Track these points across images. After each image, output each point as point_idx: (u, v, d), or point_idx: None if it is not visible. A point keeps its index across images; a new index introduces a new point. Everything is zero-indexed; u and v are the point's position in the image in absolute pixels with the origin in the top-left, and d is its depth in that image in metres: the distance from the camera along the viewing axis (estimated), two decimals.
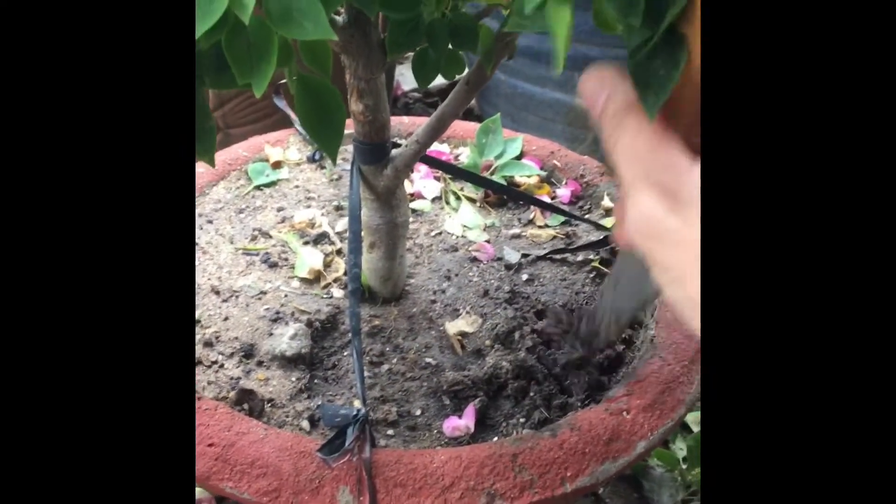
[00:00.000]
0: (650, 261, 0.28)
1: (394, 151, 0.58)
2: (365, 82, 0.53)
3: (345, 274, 0.66)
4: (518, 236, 0.74)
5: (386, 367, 0.58)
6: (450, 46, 0.47)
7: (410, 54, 0.50)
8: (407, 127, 0.87)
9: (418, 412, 0.55)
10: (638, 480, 0.83)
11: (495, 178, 0.79)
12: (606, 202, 0.76)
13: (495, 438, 0.53)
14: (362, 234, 0.60)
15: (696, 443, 0.82)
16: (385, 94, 0.55)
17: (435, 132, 0.57)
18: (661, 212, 0.27)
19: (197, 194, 0.73)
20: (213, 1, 0.33)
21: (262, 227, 0.71)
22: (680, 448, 0.86)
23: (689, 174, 0.27)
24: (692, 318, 0.27)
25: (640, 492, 0.83)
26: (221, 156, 0.78)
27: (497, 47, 0.50)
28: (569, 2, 0.26)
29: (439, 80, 1.73)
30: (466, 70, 0.54)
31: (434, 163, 0.69)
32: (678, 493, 0.83)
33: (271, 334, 0.59)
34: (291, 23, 0.34)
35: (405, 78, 1.66)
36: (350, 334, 0.60)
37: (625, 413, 0.52)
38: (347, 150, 0.83)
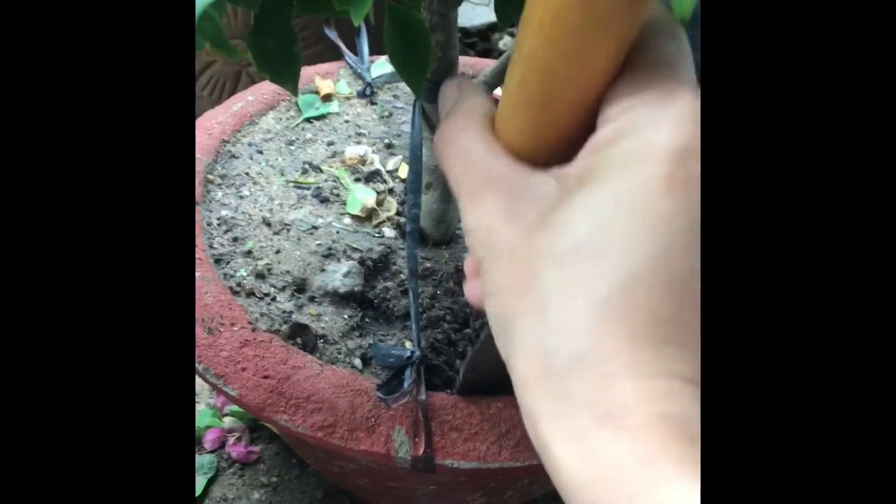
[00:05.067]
0: (481, 272, 0.26)
1: None
2: (439, 17, 0.51)
3: (397, 213, 0.65)
4: None
5: (437, 310, 0.58)
6: None
7: None
8: None
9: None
10: None
11: None
12: None
13: None
14: None
15: None
16: (456, 31, 0.53)
17: (503, 74, 0.55)
18: (496, 220, 0.24)
19: (246, 122, 0.72)
20: None
21: (313, 160, 0.69)
22: None
23: (530, 180, 0.25)
24: (498, 337, 0.25)
25: None
26: (271, 84, 0.76)
27: None
28: None
29: (478, 21, 1.68)
30: None
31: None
32: None
33: (323, 270, 0.59)
34: None
35: None
36: (402, 275, 0.59)
37: None
38: (398, 87, 0.82)
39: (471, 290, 0.32)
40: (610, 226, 0.22)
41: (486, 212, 0.25)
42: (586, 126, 0.25)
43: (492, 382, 0.48)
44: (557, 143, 0.26)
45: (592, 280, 0.21)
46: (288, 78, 0.37)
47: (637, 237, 0.21)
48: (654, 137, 0.22)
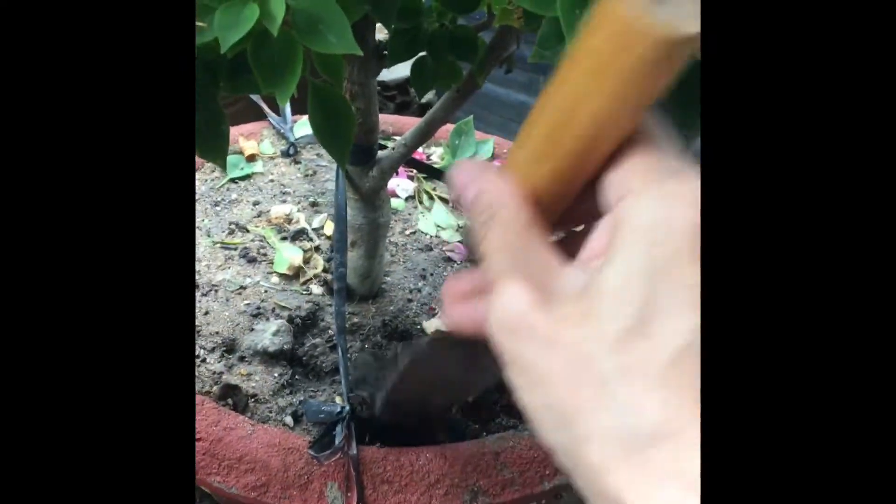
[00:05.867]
0: (507, 358, 0.26)
1: (380, 153, 0.59)
2: (359, 86, 0.54)
3: (324, 271, 0.66)
4: None
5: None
6: (449, 57, 0.48)
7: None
8: None
9: None
10: None
11: None
12: None
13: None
14: None
15: None
16: (376, 98, 0.56)
17: (423, 137, 0.58)
18: (527, 306, 0.25)
19: None
20: (243, 12, 0.33)
21: (239, 220, 0.71)
22: None
23: (560, 273, 0.26)
24: (549, 426, 0.25)
25: None
26: None
27: (489, 58, 0.52)
28: None
29: (397, 74, 1.71)
30: None
31: (414, 163, 0.70)
32: None
33: (252, 329, 0.60)
34: (317, 35, 0.34)
35: None
36: (331, 331, 0.61)
37: None
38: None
39: (459, 314, 0.31)
40: (651, 304, 0.23)
41: (518, 295, 0.25)
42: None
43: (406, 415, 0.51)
44: (572, 191, 0.28)
45: (650, 359, 0.23)
46: (217, 154, 0.39)
47: (678, 310, 0.23)
48: (675, 214, 0.24)
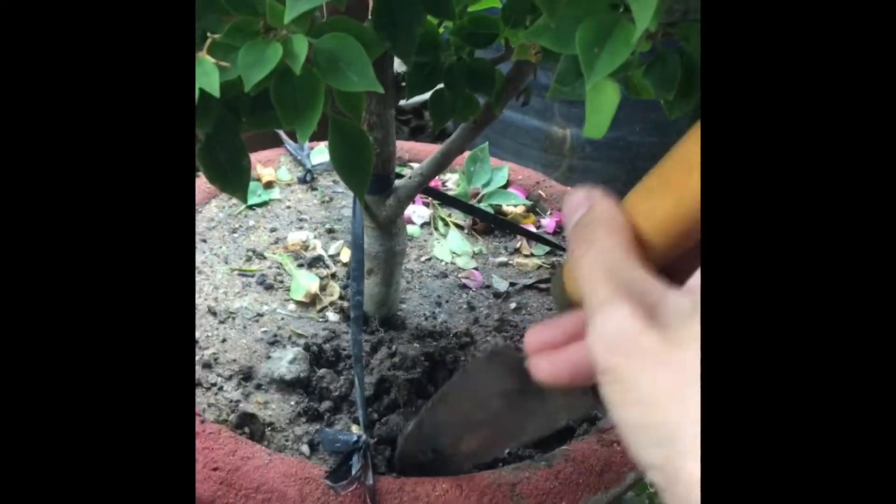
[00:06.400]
0: (610, 377, 0.26)
1: (397, 182, 0.59)
2: (376, 116, 0.54)
3: (340, 298, 0.67)
4: (505, 264, 0.76)
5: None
6: (467, 90, 0.49)
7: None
8: None
9: None
10: None
11: (482, 206, 0.81)
12: None
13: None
14: None
15: None
16: (393, 128, 0.57)
17: (439, 166, 0.59)
18: (637, 327, 0.26)
19: None
20: (266, 51, 0.34)
21: (256, 247, 0.71)
22: None
23: (665, 297, 0.26)
24: (641, 444, 0.25)
25: None
26: None
27: (506, 89, 0.53)
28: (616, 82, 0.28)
29: (412, 99, 1.73)
30: None
31: (429, 191, 0.71)
32: None
33: (269, 357, 0.60)
34: (338, 73, 0.35)
35: None
36: (349, 360, 0.61)
37: (616, 444, 0.55)
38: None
39: (553, 365, 0.32)
40: None
41: (627, 316, 0.26)
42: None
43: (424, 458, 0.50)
44: (686, 230, 0.28)
45: None
46: (238, 187, 0.40)
47: None
48: None
